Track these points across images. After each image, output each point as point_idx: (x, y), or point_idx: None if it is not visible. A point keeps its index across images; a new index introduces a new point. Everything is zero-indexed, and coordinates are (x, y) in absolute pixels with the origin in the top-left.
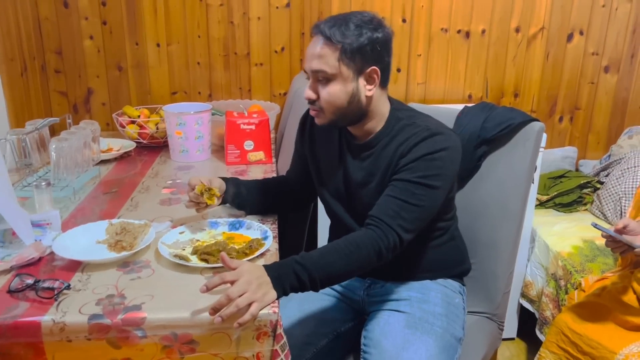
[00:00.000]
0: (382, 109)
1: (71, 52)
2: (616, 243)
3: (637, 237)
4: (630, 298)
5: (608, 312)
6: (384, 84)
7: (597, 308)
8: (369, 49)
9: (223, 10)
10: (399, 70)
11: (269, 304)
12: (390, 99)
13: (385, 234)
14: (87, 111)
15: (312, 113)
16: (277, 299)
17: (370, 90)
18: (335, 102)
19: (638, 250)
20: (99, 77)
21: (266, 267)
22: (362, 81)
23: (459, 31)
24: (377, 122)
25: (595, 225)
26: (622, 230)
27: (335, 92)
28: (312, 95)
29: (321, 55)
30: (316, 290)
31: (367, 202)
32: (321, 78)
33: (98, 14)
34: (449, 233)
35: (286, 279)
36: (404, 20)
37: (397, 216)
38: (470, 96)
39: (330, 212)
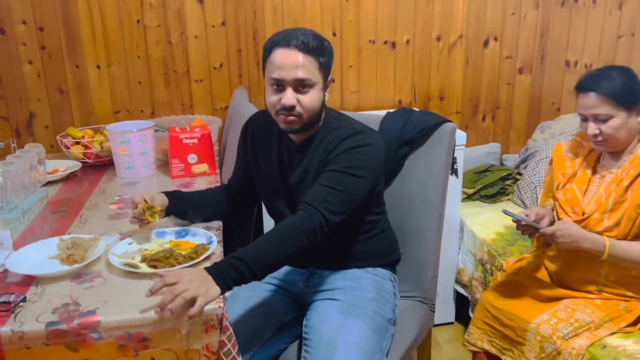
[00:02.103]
0: (322, 115)
1: (10, 78)
2: (524, 226)
3: (543, 220)
4: (542, 274)
5: (524, 288)
6: None
7: (515, 285)
8: (331, 60)
9: (160, 31)
10: (333, 80)
11: (214, 299)
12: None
13: (311, 215)
14: (29, 135)
15: (289, 119)
16: (222, 293)
17: (326, 97)
18: (314, 108)
19: (542, 232)
20: (40, 100)
21: (206, 268)
22: (325, 88)
23: (385, 42)
24: (316, 127)
25: (505, 212)
26: (535, 219)
27: (315, 99)
28: (295, 102)
29: (305, 65)
30: (258, 279)
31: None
32: (303, 86)
33: (36, 39)
34: (378, 226)
35: (226, 273)
36: (334, 34)
37: (323, 200)
38: (400, 102)
39: (273, 211)
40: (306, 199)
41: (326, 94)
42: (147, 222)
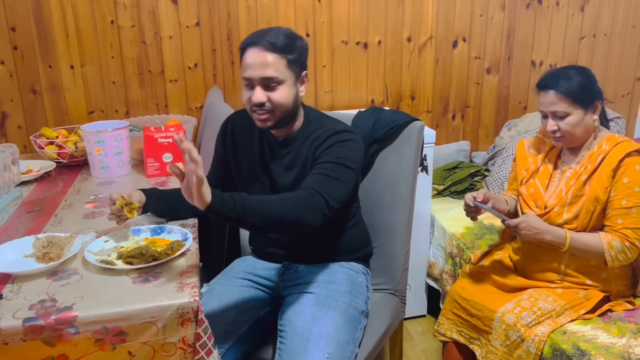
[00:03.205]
0: (302, 111)
1: None
2: (469, 210)
3: (489, 202)
4: (507, 266)
5: (490, 279)
6: None
7: (481, 277)
8: (303, 56)
9: (134, 31)
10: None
11: (206, 201)
12: (302, 103)
13: (312, 195)
14: (2, 135)
15: (261, 117)
16: (212, 204)
17: (302, 91)
18: (284, 104)
19: (507, 223)
20: (12, 101)
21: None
22: (298, 84)
23: (357, 43)
24: (297, 123)
25: (475, 203)
26: (482, 199)
27: (285, 95)
28: (264, 99)
29: (271, 63)
30: (247, 220)
31: (288, 190)
32: (272, 84)
33: (8, 39)
34: (352, 221)
35: (225, 195)
36: (307, 35)
37: (322, 185)
38: (372, 101)
39: None
40: (305, 184)
41: (302, 88)
42: (125, 219)
